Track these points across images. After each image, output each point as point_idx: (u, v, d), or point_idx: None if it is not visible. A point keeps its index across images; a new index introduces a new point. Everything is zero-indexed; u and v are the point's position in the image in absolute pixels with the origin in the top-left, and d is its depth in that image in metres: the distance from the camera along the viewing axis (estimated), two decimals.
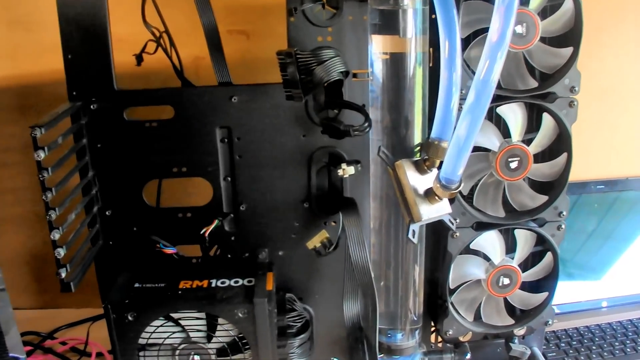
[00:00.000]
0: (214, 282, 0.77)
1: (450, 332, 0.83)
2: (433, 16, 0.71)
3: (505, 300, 0.83)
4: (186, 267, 0.82)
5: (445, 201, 0.70)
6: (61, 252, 0.70)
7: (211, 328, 0.75)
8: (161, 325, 0.75)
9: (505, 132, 0.77)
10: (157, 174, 0.80)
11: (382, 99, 0.75)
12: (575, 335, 1.03)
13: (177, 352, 0.76)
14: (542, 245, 0.82)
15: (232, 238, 0.81)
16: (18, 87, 1.03)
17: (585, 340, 1.01)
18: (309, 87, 0.70)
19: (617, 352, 0.99)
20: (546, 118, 0.77)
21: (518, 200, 0.79)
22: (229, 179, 0.79)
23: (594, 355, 0.99)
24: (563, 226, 0.80)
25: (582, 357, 0.98)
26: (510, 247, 0.82)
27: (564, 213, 0.79)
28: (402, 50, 0.74)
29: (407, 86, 0.73)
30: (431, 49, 0.76)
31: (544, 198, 0.79)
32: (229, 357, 0.76)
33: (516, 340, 0.86)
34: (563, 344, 1.01)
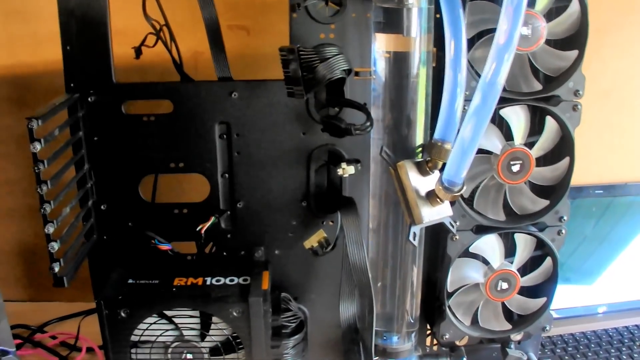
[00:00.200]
0: (208, 280, 0.76)
1: (446, 336, 0.81)
2: (438, 15, 0.70)
3: (503, 304, 0.82)
4: (181, 264, 0.80)
5: (447, 203, 0.69)
6: (55, 246, 0.68)
7: (205, 326, 0.74)
8: (154, 323, 0.74)
9: (507, 135, 0.75)
10: (154, 169, 0.78)
11: (383, 97, 0.74)
12: (571, 341, 1.02)
13: (170, 350, 0.74)
14: (542, 250, 0.81)
15: (228, 235, 0.80)
16: (13, 78, 1.02)
17: (581, 347, 1.00)
18: (311, 85, 0.69)
19: (613, 358, 0.98)
20: (549, 121, 0.76)
21: (519, 204, 0.78)
22: (227, 175, 0.78)
23: None
24: (563, 231, 0.79)
25: None
26: (510, 251, 0.80)
27: (565, 218, 0.78)
28: (405, 49, 0.72)
29: (410, 85, 0.72)
30: (435, 49, 0.74)
31: (545, 202, 0.78)
32: (222, 357, 0.75)
33: (512, 346, 0.85)
34: (559, 350, 1.00)
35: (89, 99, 0.75)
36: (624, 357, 0.99)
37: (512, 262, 0.80)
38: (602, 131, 1.09)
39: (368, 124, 0.71)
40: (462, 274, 0.79)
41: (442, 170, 0.67)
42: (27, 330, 0.97)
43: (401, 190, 0.68)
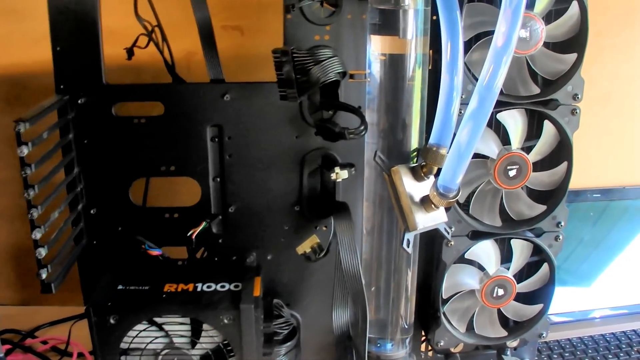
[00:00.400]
0: (199, 286, 0.74)
1: (441, 343, 0.79)
2: (434, 17, 0.69)
3: (499, 311, 0.80)
4: (172, 269, 0.78)
5: (442, 209, 0.67)
6: (42, 252, 0.66)
7: (195, 334, 0.72)
8: (144, 330, 0.71)
9: (504, 139, 0.73)
10: (145, 172, 0.76)
11: (378, 100, 0.72)
12: (568, 346, 0.99)
13: (160, 357, 0.72)
14: (539, 256, 0.79)
15: (220, 240, 0.78)
16: (6, 78, 0.99)
17: (578, 352, 0.98)
18: (305, 87, 0.67)
19: None
20: (547, 125, 0.74)
21: (515, 209, 0.76)
22: (218, 179, 0.76)
23: None
24: (561, 237, 0.77)
25: None
26: (506, 257, 0.78)
27: (562, 223, 0.76)
28: (401, 52, 0.70)
29: (405, 88, 0.70)
30: (431, 51, 0.72)
31: (542, 207, 0.76)
32: None
33: (508, 352, 0.83)
34: (555, 355, 0.97)
35: (79, 101, 0.72)
36: None
37: (508, 268, 0.78)
38: (600, 134, 1.07)
39: (362, 127, 0.69)
40: (457, 280, 0.77)
41: (437, 175, 0.65)
42: (18, 335, 0.95)
43: (395, 196, 0.66)
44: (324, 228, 0.78)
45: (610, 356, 0.97)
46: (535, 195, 0.77)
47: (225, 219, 0.77)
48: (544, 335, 0.81)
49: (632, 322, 1.06)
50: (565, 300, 1.05)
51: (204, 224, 0.75)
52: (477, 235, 0.76)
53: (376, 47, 0.71)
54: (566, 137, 0.74)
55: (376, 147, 0.72)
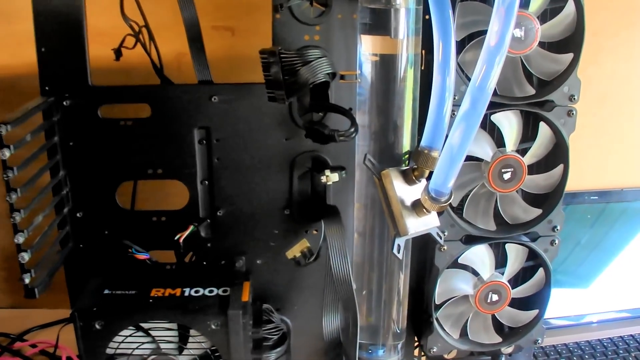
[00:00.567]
0: (187, 291, 0.71)
1: (434, 349, 0.77)
2: (427, 17, 0.66)
3: (493, 316, 0.77)
4: (159, 273, 0.75)
5: (434, 214, 0.64)
6: (25, 256, 0.64)
7: (183, 339, 0.69)
8: (130, 335, 0.69)
9: (499, 141, 0.71)
10: (132, 175, 0.74)
11: (370, 102, 0.69)
12: (564, 351, 0.97)
13: None
14: (534, 260, 0.76)
15: (209, 244, 0.75)
16: None
17: (575, 357, 0.95)
18: (293, 89, 0.64)
19: None
20: (543, 127, 0.71)
21: (510, 213, 0.73)
22: (207, 182, 0.73)
23: None
24: (557, 241, 0.74)
25: None
26: (501, 262, 0.76)
27: (558, 227, 0.74)
28: (392, 52, 0.68)
29: (396, 89, 0.67)
30: (423, 51, 0.70)
31: (537, 211, 0.73)
32: None
33: (503, 358, 0.80)
34: None
35: (64, 103, 0.70)
36: None
37: (503, 273, 0.75)
38: (598, 136, 1.04)
39: (352, 130, 0.66)
40: (450, 285, 0.74)
41: (429, 179, 0.62)
42: (7, 338, 0.93)
43: (385, 200, 0.63)
44: (315, 232, 0.75)
45: None
46: (531, 198, 0.74)
47: (213, 222, 0.75)
48: (540, 341, 0.78)
49: (630, 326, 1.03)
50: (562, 304, 1.02)
51: (191, 227, 0.73)
52: (470, 240, 0.73)
53: (367, 47, 0.68)
54: (562, 139, 0.71)
55: (367, 149, 0.70)
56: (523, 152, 0.71)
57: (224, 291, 0.71)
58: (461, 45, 0.67)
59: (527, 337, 0.78)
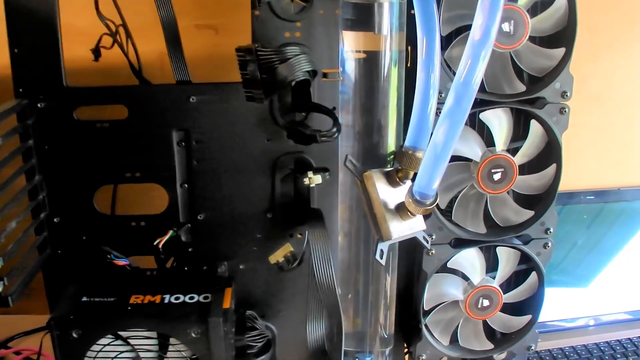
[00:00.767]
0: (167, 298, 0.67)
1: (423, 357, 0.72)
2: (412, 12, 0.61)
3: (485, 322, 0.72)
4: (140, 279, 0.71)
5: (419, 217, 0.60)
6: None
7: (163, 348, 0.65)
8: (108, 344, 0.65)
9: (488, 140, 0.66)
10: (109, 179, 0.70)
11: (353, 101, 0.65)
12: (560, 356, 0.92)
13: None
14: (527, 264, 0.72)
15: (190, 249, 0.71)
16: None
17: None
18: (271, 88, 0.60)
19: None
20: (534, 125, 0.66)
21: (501, 215, 0.68)
22: (186, 185, 0.69)
23: None
24: (550, 244, 0.70)
25: None
26: (492, 266, 0.71)
27: (551, 230, 0.69)
28: (376, 48, 0.63)
29: (380, 88, 0.63)
30: (409, 48, 0.65)
31: (529, 213, 0.69)
32: None
33: None
34: None
35: (39, 105, 0.66)
36: None
37: (494, 278, 0.71)
38: (595, 134, 0.99)
39: (335, 130, 0.62)
40: (439, 290, 0.70)
41: (414, 180, 0.57)
42: None
43: (368, 203, 0.59)
44: (299, 236, 0.71)
45: None
46: (522, 200, 0.69)
47: (194, 227, 0.71)
48: (533, 347, 0.74)
49: (628, 329, 0.98)
50: (557, 306, 0.97)
51: (170, 232, 0.69)
52: (460, 243, 0.69)
53: (350, 44, 0.64)
54: (555, 138, 0.66)
55: (351, 150, 0.65)
56: (514, 151, 0.67)
57: (205, 298, 0.67)
58: (448, 41, 0.63)
59: (520, 343, 0.73)
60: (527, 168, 0.68)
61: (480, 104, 0.64)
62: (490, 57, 0.56)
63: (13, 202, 0.63)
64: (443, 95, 0.60)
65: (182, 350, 0.65)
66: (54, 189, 0.69)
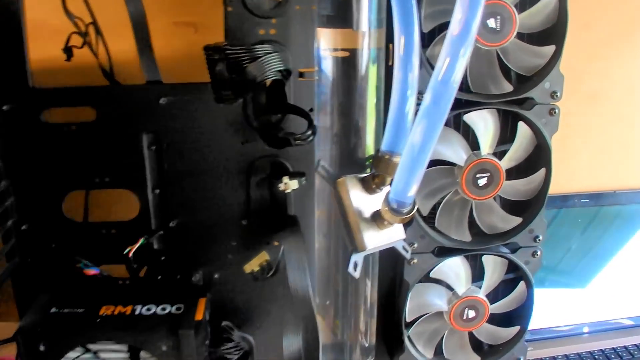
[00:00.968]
0: (138, 309, 0.62)
1: None
2: None
3: (471, 334, 0.67)
4: (112, 289, 0.66)
5: (398, 225, 0.54)
6: None
7: None
8: (77, 357, 0.60)
9: (473, 144, 0.61)
10: (78, 185, 0.65)
11: (331, 102, 0.59)
12: None
13: None
14: (514, 273, 0.66)
15: (162, 258, 0.66)
16: None
17: None
18: (241, 88, 0.55)
19: None
20: (522, 128, 0.61)
21: (487, 222, 0.63)
22: (158, 191, 0.64)
23: None
24: (539, 252, 0.64)
25: None
26: (478, 274, 0.66)
27: (540, 237, 0.64)
28: (355, 46, 0.58)
29: (358, 88, 0.58)
30: (390, 45, 0.60)
31: (517, 220, 0.63)
32: None
33: None
34: None
35: (4, 107, 0.61)
36: None
37: (480, 287, 0.65)
38: (589, 136, 0.92)
39: (309, 132, 0.57)
40: (422, 300, 0.65)
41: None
42: None
43: (341, 211, 0.53)
44: (276, 244, 0.65)
45: None
46: (510, 206, 0.64)
47: (166, 234, 0.65)
48: (522, 359, 0.68)
49: (622, 337, 0.91)
50: (549, 314, 0.91)
51: (141, 240, 0.64)
52: (444, 252, 0.63)
53: (328, 41, 0.59)
54: (544, 141, 0.61)
55: (329, 153, 0.60)
56: (500, 155, 0.62)
57: (178, 309, 0.62)
58: (430, 38, 0.58)
59: (508, 356, 0.68)
60: (515, 172, 0.63)
61: (465, 104, 0.59)
62: (475, 55, 0.51)
63: None
64: (424, 96, 0.54)
65: None
66: (22, 194, 0.64)
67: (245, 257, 0.65)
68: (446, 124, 0.60)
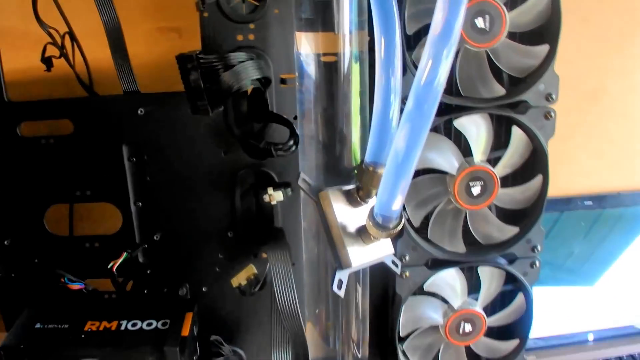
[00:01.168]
0: (123, 324, 0.59)
1: None
2: None
3: (468, 348, 0.62)
4: (97, 304, 0.63)
5: (386, 240, 0.50)
6: None
7: None
8: None
9: (466, 150, 0.56)
10: (58, 198, 0.61)
11: (315, 109, 0.55)
12: None
13: None
14: (513, 284, 0.61)
15: (148, 271, 0.63)
16: None
17: None
18: (217, 98, 0.51)
19: None
20: (516, 132, 0.56)
21: (482, 232, 0.58)
22: (140, 204, 0.61)
23: None
24: (537, 263, 0.59)
25: None
26: (475, 286, 0.61)
27: (539, 247, 0.58)
28: (336, 50, 0.53)
29: (340, 94, 0.53)
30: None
31: (514, 230, 0.58)
32: None
33: None
34: None
35: None
36: None
37: (477, 299, 0.60)
38: (590, 135, 0.86)
39: (292, 142, 0.53)
40: (417, 314, 0.60)
41: None
42: None
43: (324, 225, 0.49)
44: (264, 256, 0.61)
45: None
46: (506, 215, 0.59)
47: (150, 247, 0.62)
48: None
49: (628, 344, 0.85)
50: (552, 321, 0.85)
51: (125, 254, 0.60)
52: (437, 264, 0.58)
53: (308, 45, 0.54)
54: (540, 146, 0.56)
55: (314, 163, 0.56)
56: (494, 161, 0.56)
57: (164, 324, 0.59)
58: (416, 39, 0.53)
59: None
60: (511, 180, 0.58)
61: (456, 109, 0.54)
62: (464, 57, 0.46)
63: None
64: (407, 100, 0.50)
65: None
66: (2, 209, 0.61)
67: (232, 270, 0.61)
68: (436, 130, 0.56)
